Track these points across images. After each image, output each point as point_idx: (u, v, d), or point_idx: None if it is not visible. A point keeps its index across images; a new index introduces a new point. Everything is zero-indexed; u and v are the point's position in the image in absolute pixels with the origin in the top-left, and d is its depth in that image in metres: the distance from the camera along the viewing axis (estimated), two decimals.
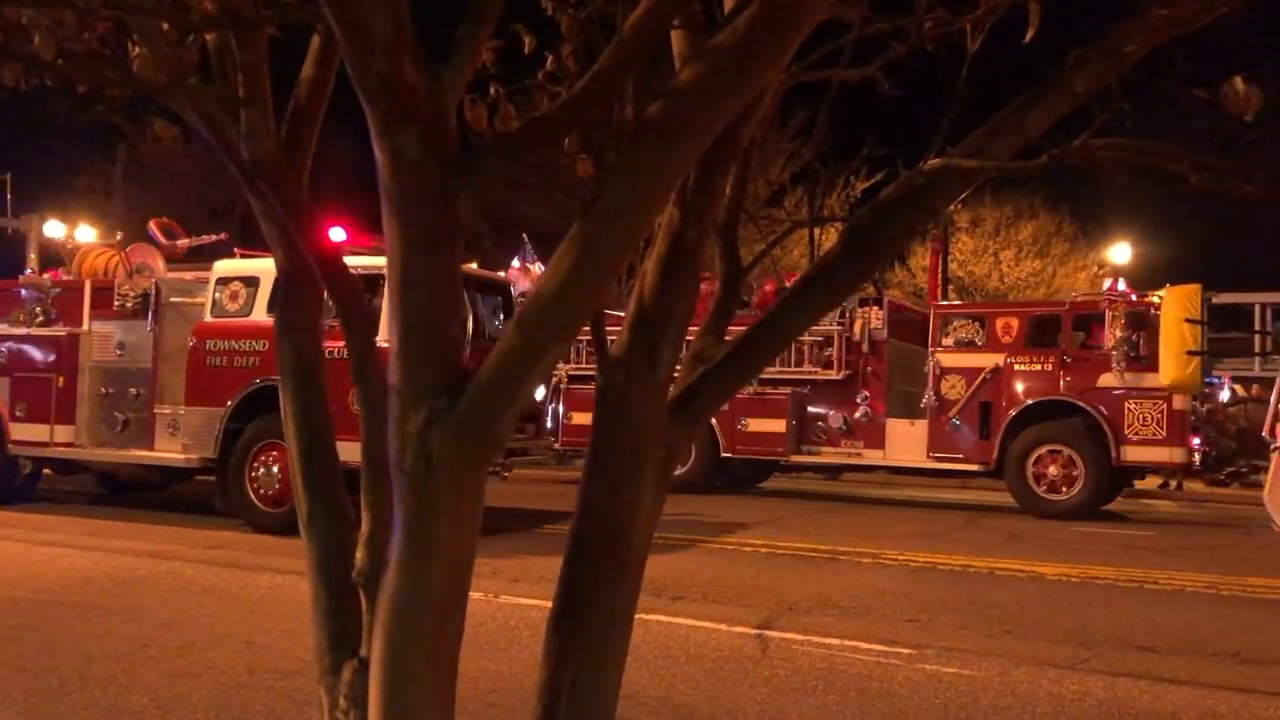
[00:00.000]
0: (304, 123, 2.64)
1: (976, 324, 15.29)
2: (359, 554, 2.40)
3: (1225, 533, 12.99)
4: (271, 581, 8.09)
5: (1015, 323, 15.02)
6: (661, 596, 7.53)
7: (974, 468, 15.19)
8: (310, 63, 2.63)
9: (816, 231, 2.95)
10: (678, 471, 12.51)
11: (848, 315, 15.96)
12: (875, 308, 16.00)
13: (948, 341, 15.32)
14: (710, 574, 8.72)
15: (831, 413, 15.90)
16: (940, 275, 21.83)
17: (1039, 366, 14.67)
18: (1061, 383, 14.48)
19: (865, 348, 15.75)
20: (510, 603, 7.43)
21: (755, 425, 16.10)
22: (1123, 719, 5.23)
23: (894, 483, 18.51)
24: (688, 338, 2.47)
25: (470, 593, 2.15)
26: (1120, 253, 33.01)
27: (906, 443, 15.45)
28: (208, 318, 11.33)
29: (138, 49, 2.40)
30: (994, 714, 5.27)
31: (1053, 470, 14.32)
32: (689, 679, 5.74)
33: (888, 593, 8.28)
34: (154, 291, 11.95)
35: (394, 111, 1.98)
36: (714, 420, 15.80)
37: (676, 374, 2.46)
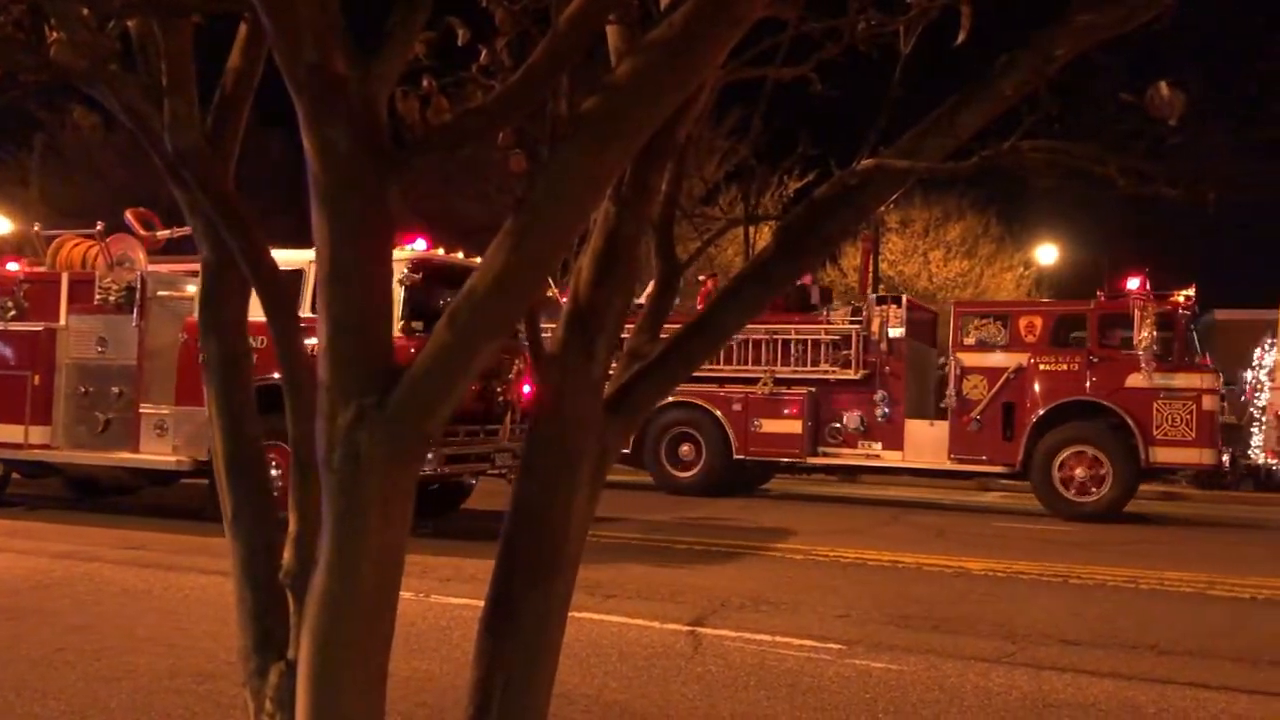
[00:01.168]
0: (230, 113, 2.58)
1: (998, 323, 14.92)
2: (286, 554, 2.35)
3: (1143, 529, 13.34)
4: (195, 582, 7.92)
5: (1039, 322, 14.70)
6: (594, 594, 7.52)
7: (998, 469, 14.89)
8: (237, 52, 2.57)
9: (750, 230, 2.96)
10: (688, 474, 13.52)
11: (865, 314, 15.63)
12: (893, 306, 15.66)
13: (969, 341, 14.97)
14: (643, 571, 8.73)
15: (848, 413, 15.50)
16: (871, 275, 22.06)
17: (1064, 366, 14.41)
18: (1088, 383, 14.22)
19: (884, 347, 15.36)
20: (442, 602, 7.36)
21: (770, 426, 15.72)
22: (1047, 711, 5.33)
23: (882, 482, 18.26)
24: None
25: (401, 592, 2.12)
26: (1046, 254, 33.77)
27: (926, 444, 15.13)
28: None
29: (55, 33, 2.33)
30: (922, 707, 5.35)
31: (1079, 472, 14.06)
32: (621, 676, 5.74)
33: (818, 588, 8.36)
34: (140, 285, 11.28)
35: (323, 102, 1.94)
36: (726, 421, 15.72)
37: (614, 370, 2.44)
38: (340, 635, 2.01)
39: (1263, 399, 20.37)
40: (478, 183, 25.25)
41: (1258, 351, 21.75)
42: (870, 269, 21.06)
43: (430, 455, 9.77)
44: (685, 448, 16.01)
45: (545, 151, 2.07)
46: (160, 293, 11.40)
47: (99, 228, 12.03)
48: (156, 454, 11.04)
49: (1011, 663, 6.19)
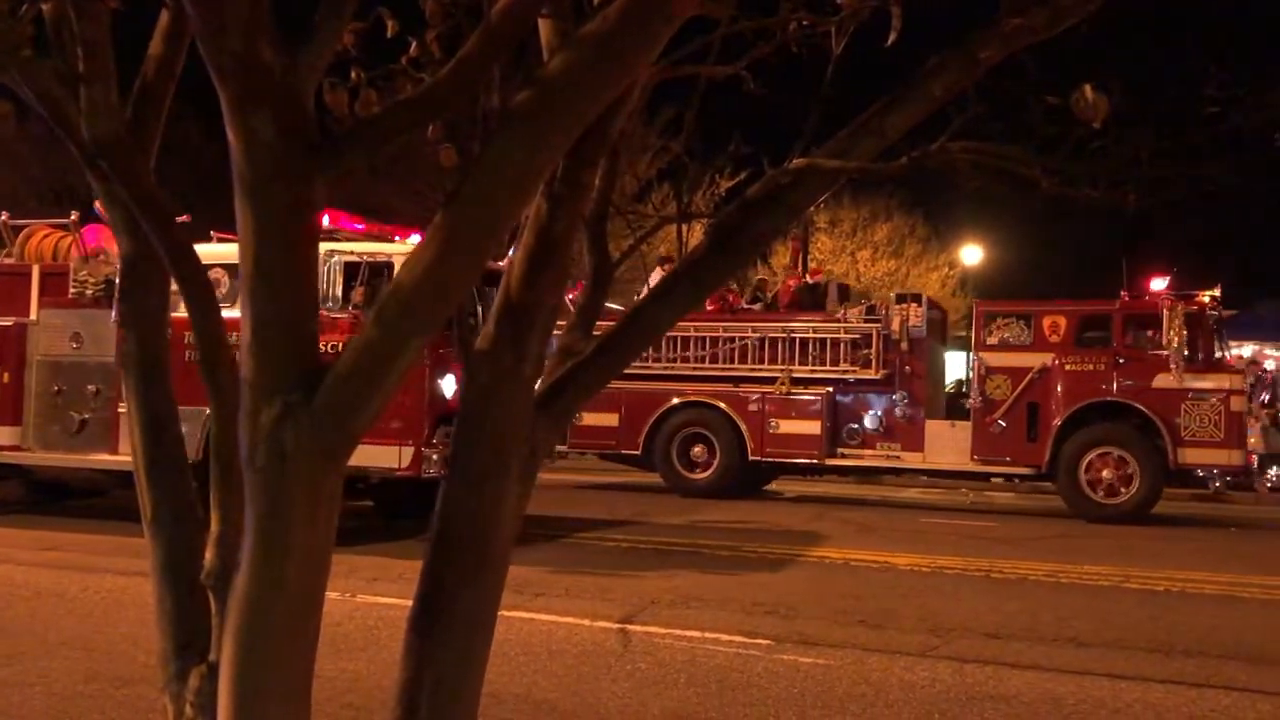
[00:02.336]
0: (151, 102, 2.51)
1: (1022, 323, 14.54)
2: (208, 554, 2.29)
3: (1064, 524, 13.64)
4: (113, 584, 7.72)
5: (1063, 321, 14.34)
6: (523, 593, 7.48)
7: (1022, 471, 14.59)
8: (158, 39, 2.50)
9: (683, 228, 2.96)
10: (700, 476, 13.33)
11: (885, 312, 15.22)
12: (914, 304, 15.25)
13: (991, 341, 14.58)
14: (573, 570, 8.71)
15: (868, 414, 15.06)
16: (801, 274, 22.26)
17: (1090, 367, 14.09)
18: (1115, 384, 13.93)
19: (905, 346, 14.94)
20: (369, 602, 7.27)
21: (787, 427, 15.18)
22: (970, 703, 5.43)
23: (901, 484, 18.04)
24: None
25: (327, 592, 2.09)
26: (971, 255, 34.40)
27: (948, 445, 14.73)
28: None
29: None
30: (849, 702, 5.41)
31: (1106, 473, 13.80)
32: (551, 675, 5.72)
33: (748, 585, 8.42)
34: (120, 278, 10.82)
35: (248, 92, 1.90)
36: (741, 421, 15.19)
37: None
38: (264, 637, 1.97)
39: None
40: (407, 177, 25.00)
41: None
42: (800, 268, 21.22)
43: (434, 457, 9.56)
44: (697, 449, 15.56)
45: (476, 146, 2.05)
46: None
47: (74, 217, 11.38)
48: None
49: (935, 656, 6.29)
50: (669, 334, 15.55)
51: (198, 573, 2.30)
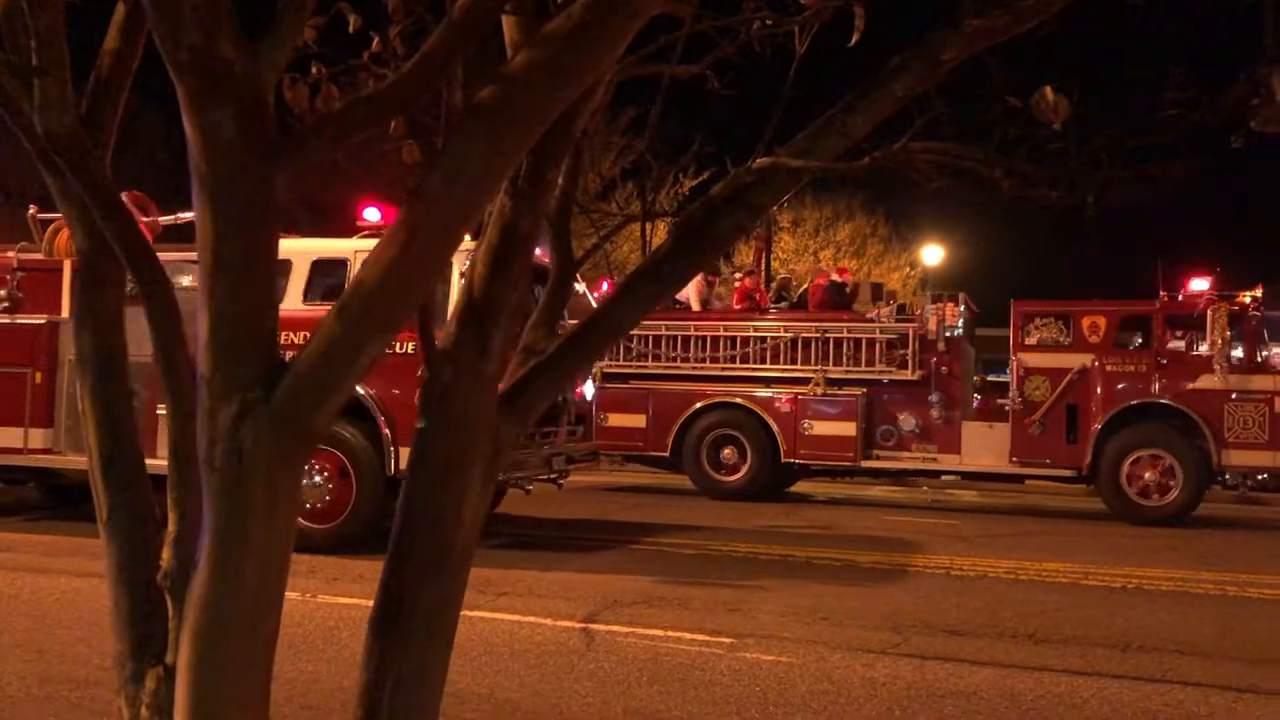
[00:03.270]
0: (106, 96, 2.48)
1: (1060, 323, 14.24)
2: (165, 555, 2.26)
3: (1024, 521, 13.78)
4: (67, 585, 7.60)
5: (1102, 322, 14.05)
6: (486, 593, 7.45)
7: (1063, 473, 14.37)
8: (114, 33, 2.47)
9: (647, 226, 2.96)
10: (731, 478, 13.11)
11: (921, 311, 14.99)
12: (950, 304, 14.97)
13: (1030, 341, 14.29)
14: (535, 569, 8.68)
15: (903, 415, 14.69)
16: (764, 273, 22.31)
17: (1131, 367, 13.86)
18: (1156, 384, 13.69)
19: (941, 346, 14.63)
20: (329, 602, 7.21)
21: (821, 428, 14.81)
22: (930, 700, 5.47)
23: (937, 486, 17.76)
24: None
25: (287, 593, 2.06)
26: (932, 254, 34.71)
27: (985, 447, 14.45)
28: None
29: None
30: (811, 699, 5.43)
31: (1149, 475, 13.53)
32: (513, 675, 5.70)
33: (710, 583, 8.43)
34: (76, 275, 10.26)
35: (207, 87, 1.87)
36: (774, 422, 14.89)
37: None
38: (222, 639, 1.94)
39: None
40: (369, 174, 24.81)
41: None
42: (763, 267, 21.28)
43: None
44: (727, 451, 15.22)
45: (439, 143, 2.04)
46: (183, 282, 10.44)
47: None
48: None
49: (897, 653, 6.33)
50: (698, 334, 15.60)
51: (154, 574, 2.27)
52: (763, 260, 22.46)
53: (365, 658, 2.29)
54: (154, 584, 2.28)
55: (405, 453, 9.10)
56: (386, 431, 9.37)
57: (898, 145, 2.28)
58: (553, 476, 10.42)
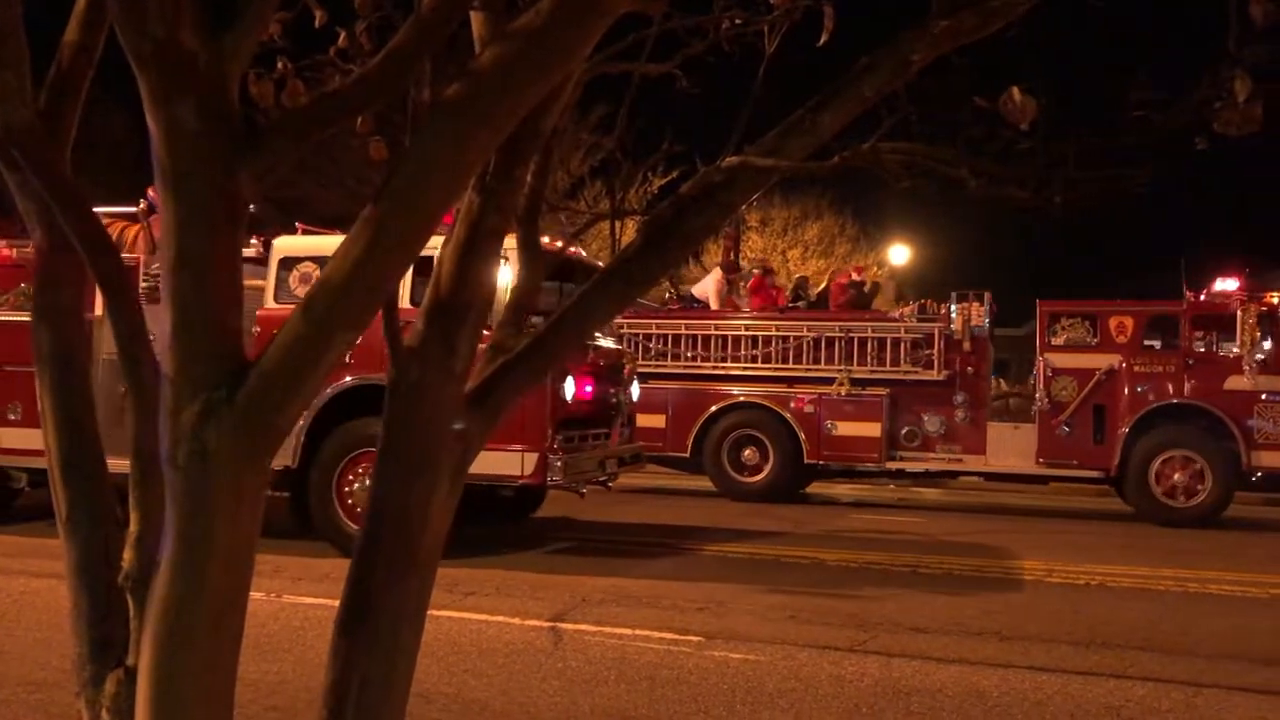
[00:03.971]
0: (67, 89, 2.43)
1: (1087, 323, 14.22)
2: (126, 555, 2.23)
3: (989, 519, 13.89)
4: (25, 586, 7.50)
5: (1129, 322, 14.01)
6: (454, 592, 7.42)
7: (1090, 474, 14.37)
8: (74, 25, 2.43)
9: (616, 225, 2.95)
10: (753, 479, 13.02)
11: (946, 311, 14.82)
12: (976, 303, 14.83)
13: (1057, 341, 14.25)
14: (503, 569, 8.66)
15: (928, 415, 14.62)
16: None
17: (1160, 368, 13.81)
18: (1186, 385, 13.67)
19: (967, 346, 14.53)
20: (295, 602, 7.16)
21: (845, 429, 14.71)
22: (896, 697, 5.50)
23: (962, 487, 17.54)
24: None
25: (251, 593, 2.04)
26: (899, 254, 34.93)
27: (1010, 448, 14.41)
28: (270, 304, 9.60)
29: None
30: (779, 697, 5.45)
31: (1178, 477, 13.50)
32: (481, 674, 5.68)
33: (679, 582, 8.44)
34: (35, 272, 9.86)
35: (170, 79, 1.84)
36: (796, 423, 14.76)
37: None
38: (185, 640, 1.92)
39: None
40: (336, 170, 24.65)
41: None
42: (732, 266, 21.26)
43: (558, 464, 9.05)
44: (748, 451, 15.12)
45: (406, 139, 2.02)
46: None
47: (142, 206, 10.56)
48: None
49: (864, 651, 6.36)
50: (718, 333, 15.51)
51: (115, 574, 2.23)
52: (732, 258, 22.48)
53: (331, 658, 2.26)
54: (115, 585, 2.24)
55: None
56: None
57: (866, 145, 2.29)
58: (603, 479, 10.25)
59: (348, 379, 9.07)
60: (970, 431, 14.61)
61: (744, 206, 3.79)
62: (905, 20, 2.28)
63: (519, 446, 8.99)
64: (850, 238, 36.77)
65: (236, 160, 1.91)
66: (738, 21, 2.60)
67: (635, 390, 11.54)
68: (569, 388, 9.44)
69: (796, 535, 11.64)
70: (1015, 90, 2.05)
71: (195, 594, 1.91)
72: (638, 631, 6.67)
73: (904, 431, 14.78)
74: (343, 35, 2.37)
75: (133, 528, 2.24)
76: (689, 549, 10.33)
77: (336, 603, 2.29)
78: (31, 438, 9.88)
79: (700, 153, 2.73)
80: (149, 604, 1.95)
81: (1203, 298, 14.20)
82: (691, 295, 17.37)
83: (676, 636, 6.58)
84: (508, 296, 2.67)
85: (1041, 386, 14.27)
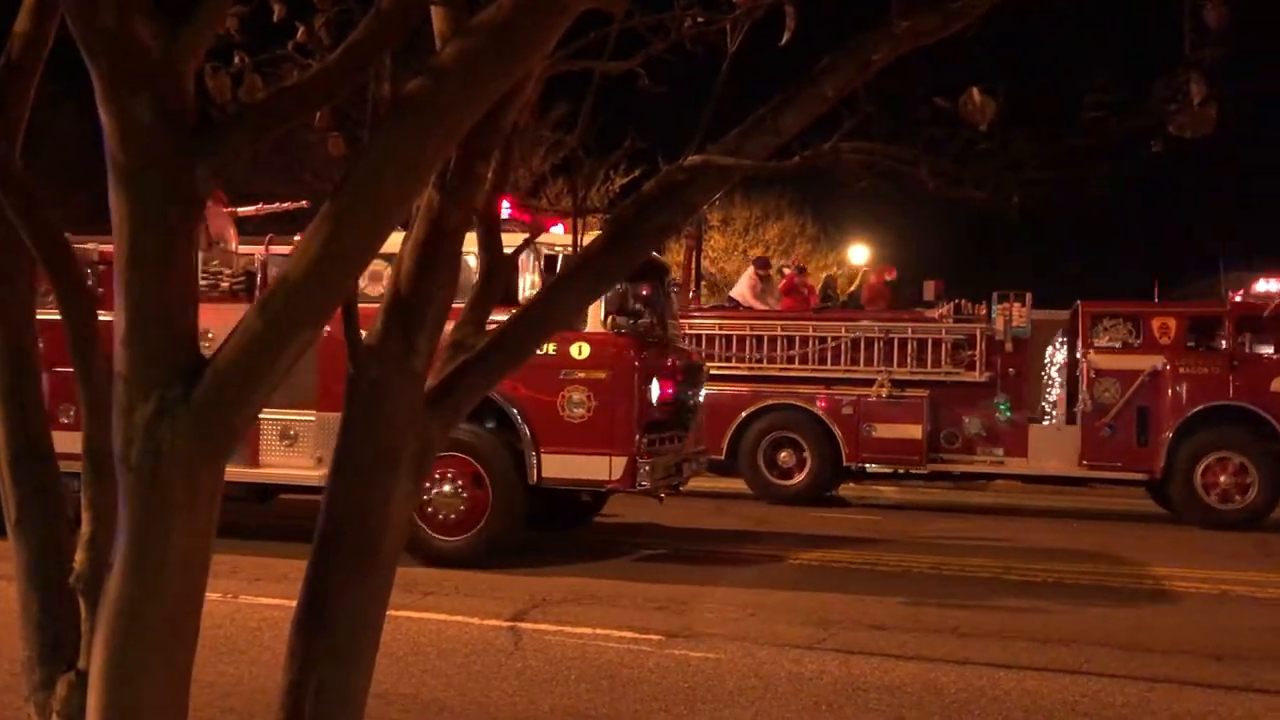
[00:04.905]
0: (16, 82, 2.38)
1: (1129, 325, 14.03)
2: (78, 556, 2.19)
3: (944, 519, 14.00)
4: None
5: (1173, 323, 13.86)
6: (413, 592, 7.37)
7: (1135, 477, 14.09)
8: (25, 15, 2.38)
9: (577, 223, 2.94)
10: (790, 482, 12.76)
11: (985, 311, 14.59)
12: (1017, 304, 14.42)
13: (1100, 343, 14.03)
14: (463, 568, 8.61)
15: (969, 417, 14.35)
16: (694, 271, 22.25)
17: (1204, 370, 13.62)
18: (1231, 387, 13.47)
19: (1009, 347, 14.31)
20: (251, 603, 7.08)
21: (885, 431, 14.40)
22: (855, 694, 5.54)
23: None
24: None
25: (208, 594, 2.01)
26: (858, 254, 35.16)
27: (1052, 450, 14.20)
28: None
29: None
30: (739, 695, 5.47)
31: (1224, 479, 13.31)
32: (440, 674, 5.65)
33: (640, 581, 8.44)
34: (260, 270, 9.62)
35: (123, 73, 1.81)
36: (834, 424, 14.49)
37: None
38: (138, 643, 1.89)
39: None
40: (293, 166, 24.38)
41: None
42: (693, 265, 21.28)
43: (646, 467, 8.82)
44: (784, 454, 14.79)
45: (365, 135, 2.00)
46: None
47: None
48: (286, 467, 9.29)
49: (823, 648, 6.39)
50: (752, 333, 15.18)
51: (66, 575, 2.19)
52: (693, 259, 22.47)
53: (288, 659, 2.24)
54: (66, 586, 2.20)
55: (549, 460, 8.80)
56: (527, 435, 8.82)
57: (827, 145, 2.29)
58: (676, 483, 10.06)
59: None
60: (1012, 433, 14.40)
61: (706, 206, 3.79)
62: (867, 20, 2.29)
63: (607, 450, 8.80)
64: (810, 237, 36.97)
65: (192, 155, 1.88)
66: (700, 20, 2.59)
67: (702, 393, 11.24)
68: (655, 390, 9.25)
69: (757, 534, 11.68)
70: (975, 91, 2.07)
71: (149, 596, 1.88)
72: (598, 630, 6.66)
73: (943, 433, 14.58)
74: (301, 29, 2.34)
75: (85, 528, 2.20)
76: (650, 548, 10.33)
77: (295, 603, 2.26)
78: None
79: (662, 151, 2.72)
80: (101, 606, 1.92)
81: (1238, 299, 14.20)
82: (733, 299, 17.13)
83: (637, 635, 6.58)
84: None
85: (1084, 388, 14.06)
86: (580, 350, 8.90)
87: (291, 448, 9.36)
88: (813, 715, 5.24)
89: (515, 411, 8.85)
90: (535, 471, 8.82)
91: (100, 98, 1.82)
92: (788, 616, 7.27)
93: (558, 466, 8.88)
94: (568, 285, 2.45)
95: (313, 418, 9.19)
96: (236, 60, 2.31)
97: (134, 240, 1.86)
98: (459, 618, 6.88)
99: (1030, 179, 2.22)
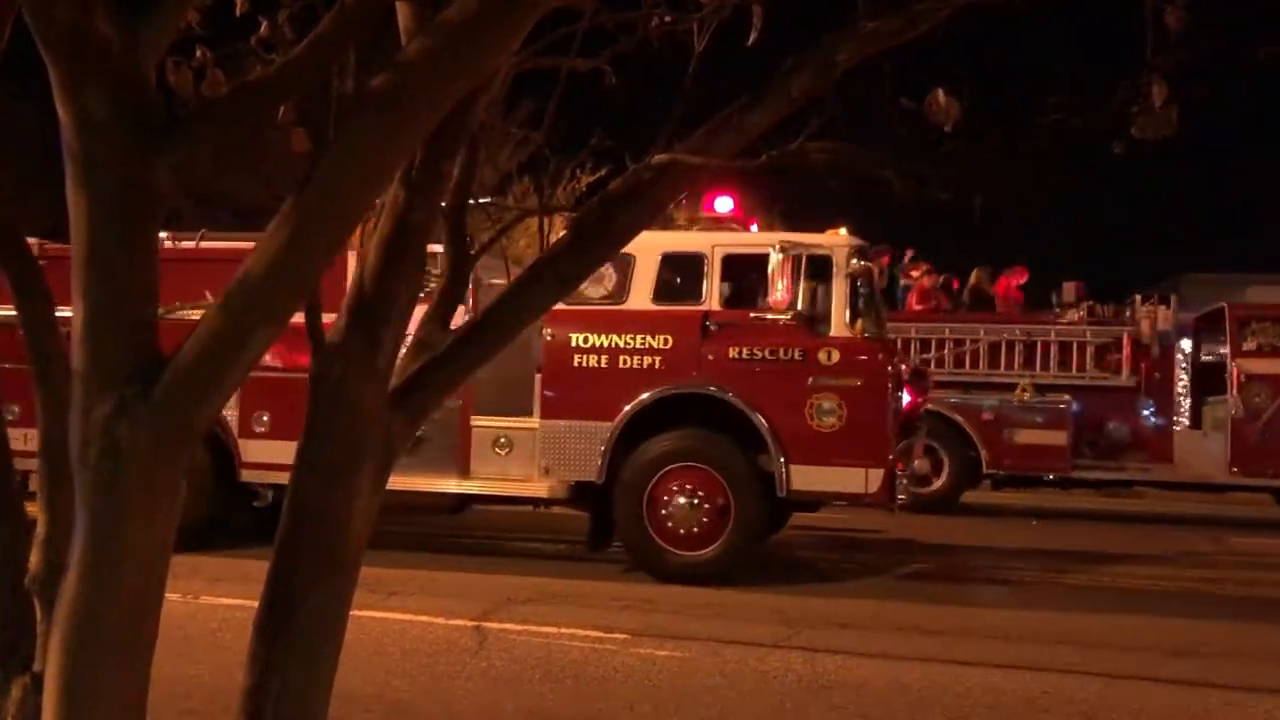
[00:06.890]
0: None
1: (1278, 327, 13.70)
2: (34, 557, 2.16)
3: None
4: None
5: None
6: (376, 592, 7.31)
7: None
8: None
9: (544, 221, 2.93)
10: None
11: (1132, 315, 14.13)
12: (1162, 306, 14.11)
13: (1249, 346, 13.64)
14: (429, 568, 8.57)
15: (1113, 423, 13.98)
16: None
17: None
18: None
19: (1154, 350, 13.93)
20: (212, 603, 7.00)
21: (1027, 437, 13.88)
22: (820, 691, 5.56)
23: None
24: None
25: (167, 594, 1.98)
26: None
27: (1200, 457, 13.82)
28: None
29: None
30: (704, 693, 5.47)
31: None
32: (404, 675, 5.61)
33: (605, 580, 8.43)
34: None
35: (81, 68, 1.78)
36: (974, 431, 13.96)
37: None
38: (95, 645, 1.86)
39: None
40: (256, 161, 24.16)
41: None
42: None
43: (904, 481, 8.45)
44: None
45: (330, 131, 1.98)
46: (493, 281, 8.78)
47: None
48: (500, 479, 8.89)
49: (789, 646, 6.41)
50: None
51: (21, 577, 2.16)
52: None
53: (250, 661, 2.22)
54: (20, 587, 2.17)
55: (798, 472, 8.26)
56: (774, 445, 8.27)
57: (794, 145, 2.30)
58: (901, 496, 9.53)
59: (651, 389, 8.56)
60: (1157, 439, 14.07)
61: (672, 205, 3.80)
62: (833, 22, 2.30)
63: (862, 462, 8.31)
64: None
65: (152, 151, 1.85)
66: (667, 19, 2.59)
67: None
68: (905, 398, 8.91)
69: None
70: (940, 92, 2.08)
71: (107, 597, 1.85)
72: (564, 630, 6.64)
73: (1085, 440, 14.14)
74: (265, 23, 2.31)
75: (40, 529, 2.17)
76: (612, 549, 10.32)
77: (256, 604, 2.24)
78: (283, 451, 8.73)
79: (630, 150, 2.72)
80: (57, 608, 1.89)
81: None
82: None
83: (603, 634, 6.57)
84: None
85: (1233, 393, 13.70)
86: (830, 356, 8.41)
87: (504, 457, 8.92)
88: (778, 713, 5.26)
89: (761, 419, 8.35)
90: (784, 483, 8.29)
91: (58, 92, 1.79)
92: (754, 615, 7.29)
93: (809, 478, 8.36)
94: (534, 285, 2.44)
95: (536, 426, 8.81)
96: (199, 55, 2.28)
97: (92, 237, 1.84)
98: (424, 618, 6.83)
99: (993, 179, 2.24)
